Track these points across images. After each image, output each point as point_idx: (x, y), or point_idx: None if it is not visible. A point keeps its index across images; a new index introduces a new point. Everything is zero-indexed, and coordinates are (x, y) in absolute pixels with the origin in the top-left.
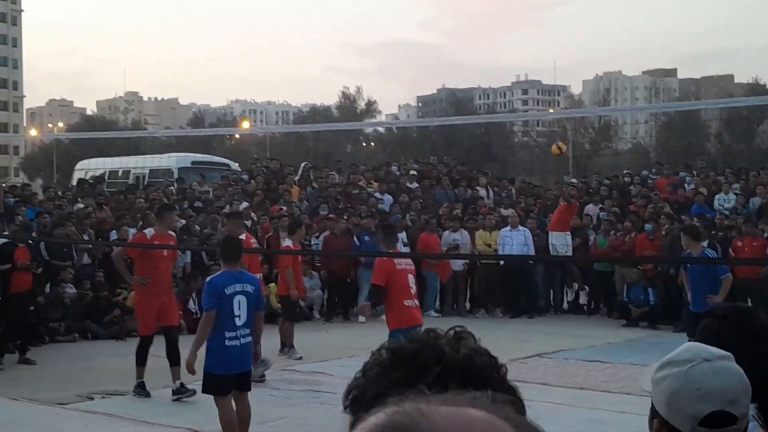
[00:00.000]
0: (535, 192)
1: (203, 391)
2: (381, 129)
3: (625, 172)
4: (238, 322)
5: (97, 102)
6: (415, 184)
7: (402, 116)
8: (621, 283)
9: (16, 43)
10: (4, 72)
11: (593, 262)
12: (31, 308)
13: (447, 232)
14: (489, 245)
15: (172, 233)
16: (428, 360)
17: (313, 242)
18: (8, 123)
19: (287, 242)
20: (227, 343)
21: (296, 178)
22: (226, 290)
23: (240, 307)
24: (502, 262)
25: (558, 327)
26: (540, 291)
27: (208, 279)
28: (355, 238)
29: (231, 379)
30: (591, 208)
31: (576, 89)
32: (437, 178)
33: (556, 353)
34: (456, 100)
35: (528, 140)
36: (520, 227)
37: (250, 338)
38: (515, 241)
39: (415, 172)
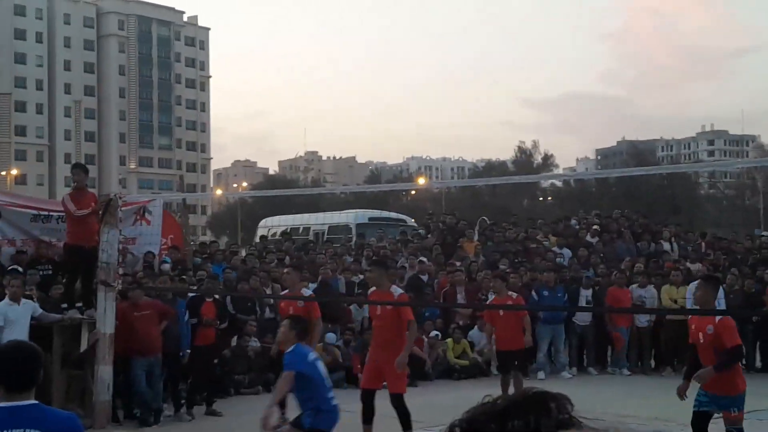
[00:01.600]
0: (723, 245)
1: None
2: (558, 182)
3: None
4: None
5: (279, 162)
6: (595, 239)
7: (580, 170)
8: None
9: (204, 107)
10: (193, 135)
11: None
12: (216, 361)
13: (633, 287)
14: (675, 301)
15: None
16: None
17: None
18: (197, 184)
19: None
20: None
21: (475, 236)
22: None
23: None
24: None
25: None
26: None
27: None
28: (533, 293)
29: None
30: None
31: (767, 138)
32: (618, 231)
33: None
34: (637, 152)
35: (714, 192)
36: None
37: None
38: None
39: (596, 226)
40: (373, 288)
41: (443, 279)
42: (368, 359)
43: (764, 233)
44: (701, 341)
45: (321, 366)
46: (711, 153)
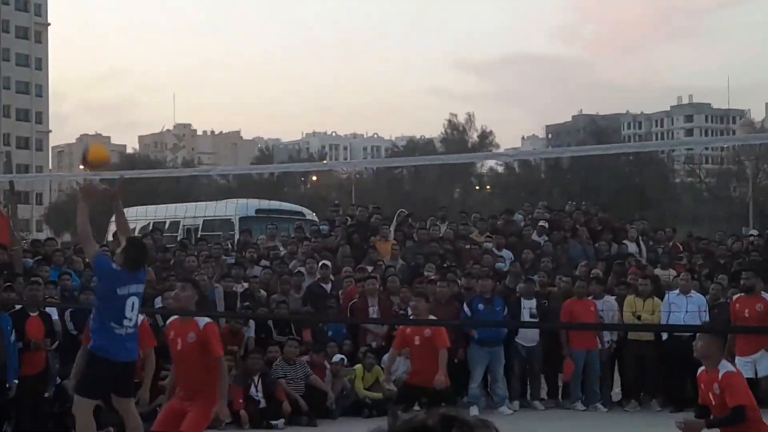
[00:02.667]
0: (703, 247)
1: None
2: (498, 166)
3: None
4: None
5: (141, 138)
6: (543, 238)
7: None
8: None
9: (41, 65)
10: (26, 101)
11: None
12: (46, 395)
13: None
14: (639, 317)
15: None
16: None
17: (410, 312)
18: (30, 164)
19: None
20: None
21: (390, 230)
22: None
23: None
24: (665, 336)
25: None
26: None
27: None
28: (465, 306)
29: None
30: None
31: (758, 114)
32: (572, 229)
33: None
34: (597, 130)
35: (693, 180)
36: (694, 292)
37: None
38: (686, 308)
39: (544, 223)
40: (174, 317)
41: (351, 288)
42: (170, 402)
43: (753, 232)
44: (713, 403)
45: None
46: (689, 131)
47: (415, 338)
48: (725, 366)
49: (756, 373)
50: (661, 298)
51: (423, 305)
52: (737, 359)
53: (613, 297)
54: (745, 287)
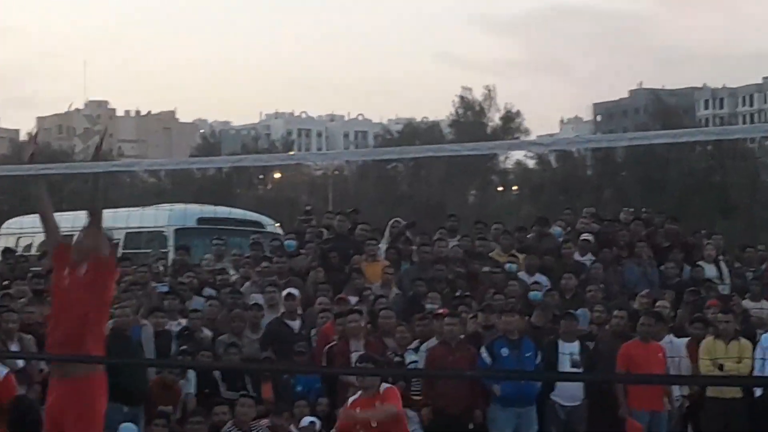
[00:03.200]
0: None
1: None
2: (528, 159)
3: None
4: None
5: (39, 120)
6: (589, 257)
7: (567, 136)
8: None
9: None
10: None
11: None
12: None
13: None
14: (721, 366)
15: None
16: None
17: (409, 359)
18: None
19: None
20: None
21: (380, 247)
22: None
23: None
24: (758, 392)
25: None
26: None
27: None
28: (483, 351)
29: None
30: None
31: None
32: (629, 245)
33: None
34: (663, 110)
35: None
36: None
37: None
38: None
39: (590, 236)
40: None
41: (327, 326)
42: None
43: None
44: None
45: None
46: None
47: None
48: None
49: None
50: (752, 340)
51: None
52: None
53: (685, 339)
54: None
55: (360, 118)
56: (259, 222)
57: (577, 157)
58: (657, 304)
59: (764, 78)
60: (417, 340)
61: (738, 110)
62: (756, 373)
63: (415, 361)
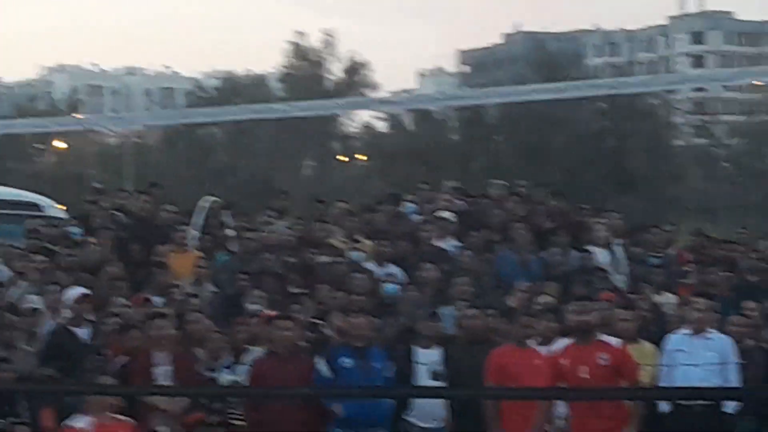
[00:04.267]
0: (722, 255)
1: None
2: (377, 121)
3: None
4: None
5: None
6: (450, 241)
7: (426, 92)
8: None
9: None
10: None
11: None
12: None
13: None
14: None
15: None
16: None
17: (226, 374)
18: None
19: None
20: None
21: (192, 233)
22: None
23: None
24: (664, 406)
25: None
26: None
27: None
28: (321, 363)
29: None
30: None
31: None
32: (503, 226)
33: None
34: (546, 58)
35: (705, 144)
36: (711, 332)
37: None
38: (698, 359)
39: (451, 215)
40: None
41: (123, 334)
42: None
43: None
44: None
45: None
46: (698, 60)
47: None
48: None
49: None
50: (657, 343)
51: None
52: None
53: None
54: None
55: (166, 71)
56: (36, 204)
57: (439, 118)
58: (540, 299)
59: (670, 19)
60: (238, 350)
61: (637, 58)
62: (663, 383)
63: (235, 379)
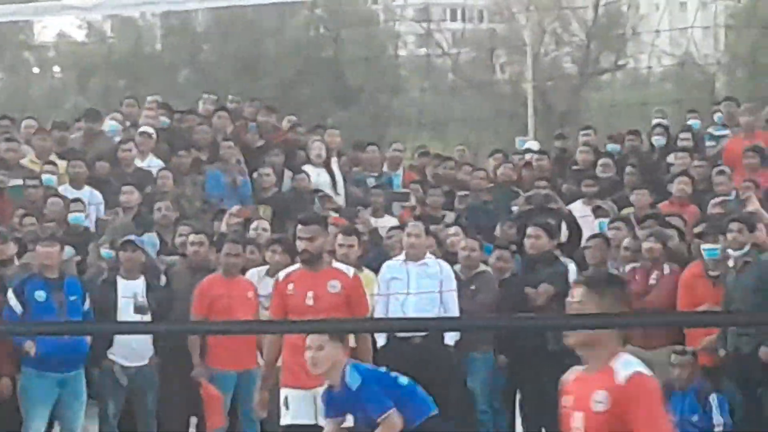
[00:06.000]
0: (446, 173)
1: None
2: (75, 29)
3: (655, 122)
4: None
5: None
6: (155, 161)
7: None
8: None
9: None
10: None
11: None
12: None
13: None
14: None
15: None
16: None
17: None
18: None
19: None
20: None
21: None
22: None
23: None
24: (381, 339)
25: None
26: (479, 400)
27: None
28: (11, 296)
29: None
30: (579, 208)
31: None
32: (211, 144)
33: None
34: None
35: (426, 56)
36: (430, 257)
37: None
38: (415, 286)
39: (151, 131)
40: None
41: None
42: None
43: (531, 145)
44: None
45: None
46: None
47: None
48: (629, 363)
49: None
50: (376, 271)
51: None
52: None
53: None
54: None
55: None
56: None
57: (141, 25)
58: (252, 225)
59: None
60: None
61: None
62: (378, 314)
63: None
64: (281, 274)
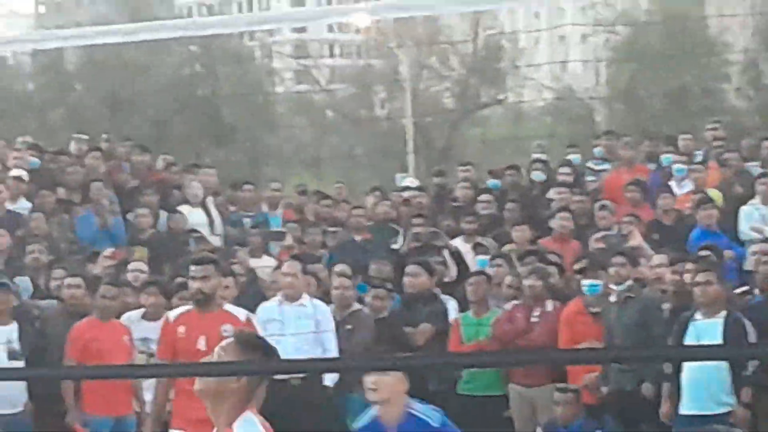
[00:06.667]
0: (325, 212)
1: None
2: None
3: (535, 156)
4: None
5: None
6: (24, 203)
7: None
8: (526, 419)
9: None
10: None
11: (452, 366)
12: None
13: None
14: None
15: None
16: None
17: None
18: None
19: None
20: None
21: None
22: None
23: None
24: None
25: None
26: None
27: None
28: None
29: None
30: (459, 245)
31: None
32: (83, 185)
33: None
34: None
35: (305, 92)
36: (305, 298)
37: None
38: (293, 327)
39: (24, 173)
40: None
41: None
42: None
43: (409, 182)
44: None
45: None
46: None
47: None
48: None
49: None
50: (253, 311)
51: None
52: None
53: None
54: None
55: None
56: None
57: (12, 64)
58: (130, 266)
59: None
60: None
61: None
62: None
63: None
64: (171, 315)
